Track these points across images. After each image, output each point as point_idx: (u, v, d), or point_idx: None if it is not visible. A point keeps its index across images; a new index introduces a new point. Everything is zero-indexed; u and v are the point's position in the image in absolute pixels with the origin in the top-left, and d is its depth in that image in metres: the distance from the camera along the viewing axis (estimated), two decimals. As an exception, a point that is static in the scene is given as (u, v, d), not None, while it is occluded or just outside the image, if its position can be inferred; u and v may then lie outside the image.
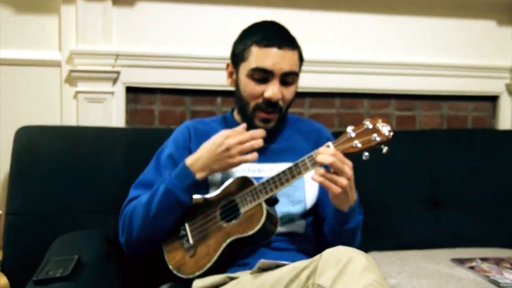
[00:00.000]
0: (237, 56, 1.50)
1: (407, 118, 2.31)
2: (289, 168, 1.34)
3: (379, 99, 2.26)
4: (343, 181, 1.28)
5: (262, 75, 1.44)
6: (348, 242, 1.37)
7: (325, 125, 1.73)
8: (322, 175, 1.28)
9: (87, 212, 1.70)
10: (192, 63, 2.04)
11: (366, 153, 1.28)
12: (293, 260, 1.26)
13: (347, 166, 1.28)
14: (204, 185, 1.48)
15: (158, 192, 1.40)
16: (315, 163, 1.30)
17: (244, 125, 1.42)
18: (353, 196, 1.35)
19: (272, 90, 1.44)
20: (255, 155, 1.38)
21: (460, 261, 1.70)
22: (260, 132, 1.40)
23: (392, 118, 2.28)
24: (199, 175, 1.39)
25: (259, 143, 1.38)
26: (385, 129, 1.27)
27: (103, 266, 1.43)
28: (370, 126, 1.28)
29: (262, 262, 1.25)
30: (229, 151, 1.37)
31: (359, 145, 1.28)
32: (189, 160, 1.40)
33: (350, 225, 1.40)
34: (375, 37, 2.21)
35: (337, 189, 1.28)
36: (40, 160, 1.72)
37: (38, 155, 1.72)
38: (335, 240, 1.40)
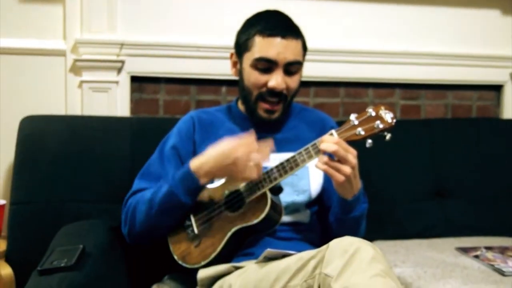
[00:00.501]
0: (241, 46, 1.49)
1: (412, 107, 2.30)
2: (293, 157, 1.35)
3: (383, 88, 2.25)
4: (346, 169, 1.28)
5: (266, 65, 1.44)
6: (352, 231, 1.37)
7: (330, 114, 1.72)
8: (325, 163, 1.28)
9: (92, 201, 1.70)
10: (197, 52, 2.04)
11: (370, 141, 1.28)
12: (298, 250, 1.26)
13: (351, 154, 1.28)
14: None
15: (161, 192, 1.39)
16: (318, 151, 1.30)
17: (253, 134, 1.37)
18: (357, 184, 1.35)
19: (276, 79, 1.43)
20: (260, 173, 1.35)
21: (465, 250, 1.70)
22: (267, 144, 1.38)
23: (397, 107, 2.27)
24: (203, 180, 1.37)
25: (265, 158, 1.36)
26: (388, 116, 1.27)
27: (108, 256, 1.43)
28: (373, 114, 1.28)
29: (269, 251, 1.25)
30: (235, 164, 1.33)
31: (362, 133, 1.28)
32: (195, 164, 1.38)
33: (354, 213, 1.40)
34: (379, 27, 2.20)
35: (341, 177, 1.28)
36: (45, 149, 1.72)
37: (42, 145, 1.73)
38: (340, 229, 1.41)
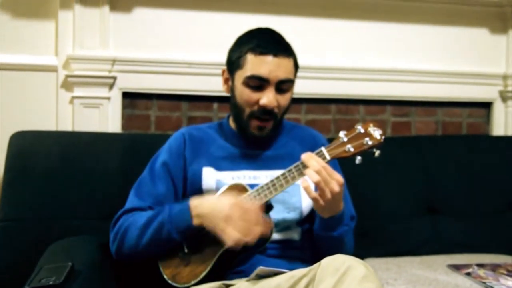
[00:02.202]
0: (233, 63, 1.50)
1: (403, 124, 2.31)
2: (283, 174, 1.35)
3: (374, 105, 2.27)
4: (328, 195, 1.28)
5: (258, 83, 1.44)
6: (333, 249, 1.36)
7: (321, 131, 1.73)
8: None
9: (82, 218, 1.69)
10: (189, 69, 2.05)
11: (359, 157, 1.30)
12: (289, 268, 1.25)
13: (335, 182, 1.28)
14: (199, 193, 1.48)
15: (154, 222, 1.38)
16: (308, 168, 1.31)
17: (256, 206, 1.31)
18: (338, 207, 1.35)
19: (268, 97, 1.44)
20: (238, 246, 1.28)
21: (457, 268, 1.70)
22: (269, 224, 1.33)
23: (388, 124, 2.29)
24: (195, 221, 1.34)
25: (253, 237, 1.28)
26: (377, 133, 1.29)
27: (97, 274, 1.42)
28: (362, 131, 1.30)
29: (261, 269, 1.24)
30: (226, 221, 1.28)
31: (352, 149, 1.30)
32: (193, 202, 1.36)
33: (332, 233, 1.39)
34: (371, 44, 2.23)
35: (320, 201, 1.29)
36: (35, 165, 1.71)
37: (32, 161, 1.72)
38: (320, 246, 1.43)
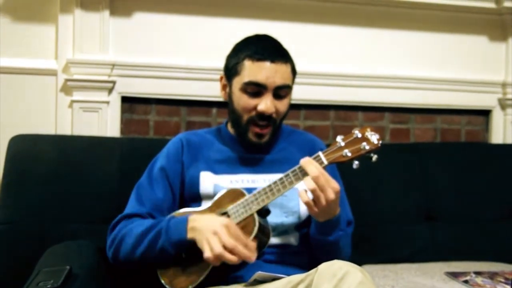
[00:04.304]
0: (230, 70, 1.50)
1: (401, 131, 2.32)
2: (280, 179, 1.34)
3: (373, 112, 2.27)
4: (322, 201, 1.28)
5: (255, 89, 1.45)
6: (329, 254, 1.36)
7: (320, 137, 1.73)
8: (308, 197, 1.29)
9: (80, 222, 1.69)
10: (188, 74, 2.05)
11: (356, 162, 1.29)
12: (287, 273, 1.26)
13: (331, 189, 1.28)
14: (197, 198, 1.48)
15: (151, 232, 1.37)
16: (306, 173, 1.31)
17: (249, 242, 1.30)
18: (334, 211, 1.35)
19: (266, 103, 1.44)
20: (216, 263, 1.27)
21: (454, 275, 1.69)
22: (254, 253, 1.29)
23: (386, 131, 2.29)
24: (189, 234, 1.33)
25: (234, 259, 1.25)
26: (374, 138, 1.29)
27: (95, 277, 1.41)
28: (359, 135, 1.30)
29: (259, 274, 1.24)
30: (214, 234, 1.27)
31: (349, 154, 1.29)
32: (192, 217, 1.36)
33: (328, 237, 1.39)
34: (369, 51, 2.23)
35: (314, 209, 1.29)
36: (34, 169, 1.71)
37: (31, 165, 1.72)
38: (316, 251, 1.43)
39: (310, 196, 1.29)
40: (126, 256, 1.41)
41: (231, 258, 1.24)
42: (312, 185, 1.27)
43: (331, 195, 1.28)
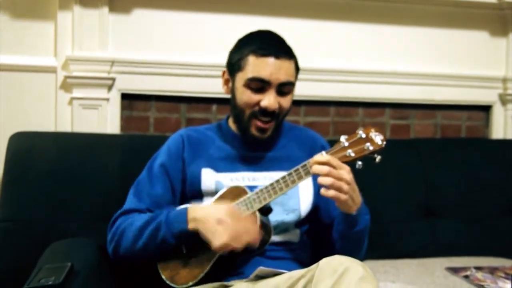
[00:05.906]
0: (234, 65, 1.50)
1: (402, 127, 2.31)
2: (283, 177, 1.34)
3: (373, 108, 2.27)
4: (344, 187, 1.28)
5: (259, 85, 1.44)
6: (357, 246, 1.39)
7: (320, 133, 1.73)
8: (329, 189, 1.28)
9: (81, 219, 1.69)
10: (188, 71, 2.04)
11: (360, 162, 1.29)
12: (287, 268, 1.26)
13: (344, 171, 1.28)
14: (198, 195, 1.48)
15: (151, 225, 1.38)
16: (308, 172, 1.31)
17: (250, 217, 1.35)
18: (358, 197, 1.35)
19: (269, 99, 1.44)
20: (225, 251, 1.30)
21: (455, 270, 1.70)
22: (256, 238, 1.33)
23: (387, 127, 2.28)
24: (191, 225, 1.34)
25: (239, 244, 1.30)
26: (378, 138, 1.29)
27: (96, 274, 1.42)
28: (363, 136, 1.30)
29: (261, 269, 1.24)
30: (218, 223, 1.29)
31: (353, 154, 1.29)
32: (192, 207, 1.37)
33: (359, 227, 1.40)
34: (370, 46, 2.23)
35: (343, 196, 1.28)
36: (34, 166, 1.71)
37: (31, 162, 1.71)
38: (345, 245, 1.42)
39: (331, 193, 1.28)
40: (127, 250, 1.42)
41: (237, 246, 1.28)
42: (329, 180, 1.26)
43: (346, 176, 1.27)
